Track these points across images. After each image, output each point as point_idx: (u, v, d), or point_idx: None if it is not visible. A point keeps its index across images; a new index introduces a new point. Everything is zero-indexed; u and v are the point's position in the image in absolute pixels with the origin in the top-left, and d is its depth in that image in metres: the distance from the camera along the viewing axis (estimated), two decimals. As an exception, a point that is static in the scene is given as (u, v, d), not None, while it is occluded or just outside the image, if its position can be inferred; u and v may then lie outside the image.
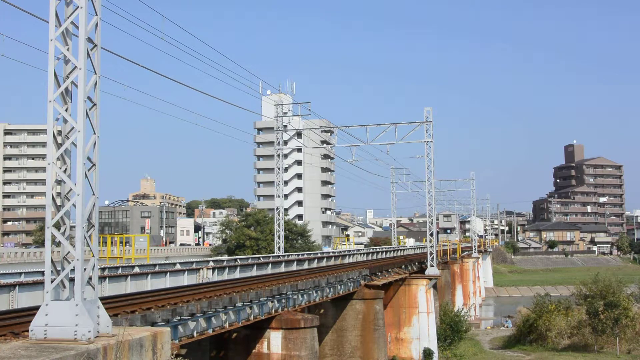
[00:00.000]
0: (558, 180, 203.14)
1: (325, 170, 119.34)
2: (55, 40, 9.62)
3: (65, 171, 9.79)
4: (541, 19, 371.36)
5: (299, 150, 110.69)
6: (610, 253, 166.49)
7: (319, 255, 45.39)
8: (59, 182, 9.84)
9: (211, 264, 27.95)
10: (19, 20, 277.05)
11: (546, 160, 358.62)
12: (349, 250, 58.26)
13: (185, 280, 24.27)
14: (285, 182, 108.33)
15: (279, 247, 46.88)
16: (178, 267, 25.88)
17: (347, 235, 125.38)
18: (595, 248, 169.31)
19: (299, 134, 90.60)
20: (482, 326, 67.18)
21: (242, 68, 77.91)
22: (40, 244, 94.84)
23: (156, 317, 13.72)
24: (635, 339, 44.14)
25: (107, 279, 20.06)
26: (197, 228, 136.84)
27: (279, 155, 48.50)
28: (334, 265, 40.05)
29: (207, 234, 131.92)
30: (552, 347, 45.97)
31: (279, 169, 48.69)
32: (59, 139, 9.82)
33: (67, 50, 9.81)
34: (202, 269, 25.78)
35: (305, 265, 36.22)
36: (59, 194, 9.85)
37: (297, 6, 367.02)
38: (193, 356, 17.46)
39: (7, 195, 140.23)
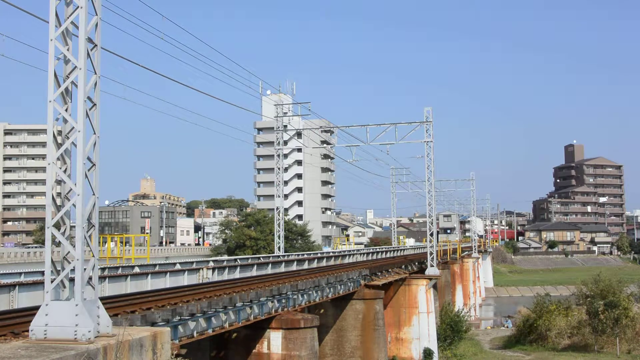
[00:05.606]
0: (558, 180, 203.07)
1: (325, 170, 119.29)
2: (55, 40, 9.62)
3: (65, 171, 9.79)
4: (541, 19, 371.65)
5: (299, 150, 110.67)
6: (611, 253, 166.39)
7: (319, 255, 45.37)
8: (59, 182, 9.83)
9: (211, 264, 27.94)
10: (19, 20, 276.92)
11: (546, 160, 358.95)
12: (349, 250, 58.22)
13: (185, 280, 24.26)
14: (285, 182, 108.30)
15: (279, 247, 46.87)
16: (178, 267, 25.88)
17: (347, 235, 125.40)
18: (595, 248, 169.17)
19: (299, 134, 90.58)
20: (482, 326, 67.15)
21: (242, 68, 77.96)
22: (41, 243, 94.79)
23: (156, 317, 13.71)
24: (635, 339, 44.09)
25: (107, 279, 20.05)
26: (197, 228, 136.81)
27: (279, 155, 48.49)
28: (334, 265, 40.03)
29: (207, 234, 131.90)
30: (552, 347, 45.94)
31: (279, 169, 48.68)
32: (59, 139, 9.81)
33: (67, 50, 9.81)
34: (202, 269, 25.77)
35: (305, 265, 36.20)
36: (59, 194, 9.85)
37: (297, 6, 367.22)
38: (193, 356, 17.44)
39: (7, 195, 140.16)
